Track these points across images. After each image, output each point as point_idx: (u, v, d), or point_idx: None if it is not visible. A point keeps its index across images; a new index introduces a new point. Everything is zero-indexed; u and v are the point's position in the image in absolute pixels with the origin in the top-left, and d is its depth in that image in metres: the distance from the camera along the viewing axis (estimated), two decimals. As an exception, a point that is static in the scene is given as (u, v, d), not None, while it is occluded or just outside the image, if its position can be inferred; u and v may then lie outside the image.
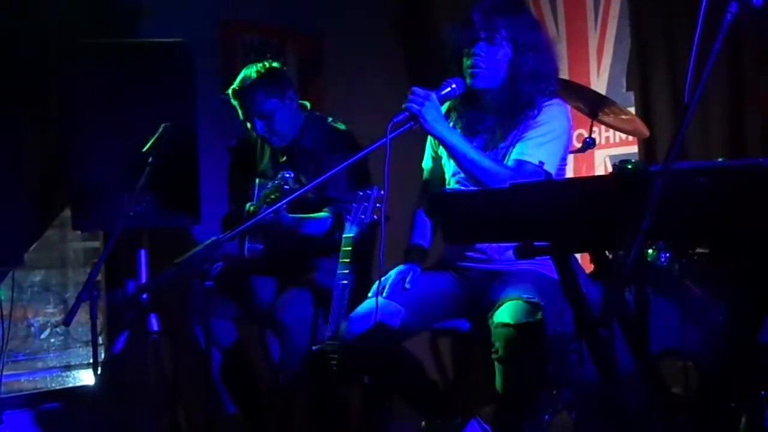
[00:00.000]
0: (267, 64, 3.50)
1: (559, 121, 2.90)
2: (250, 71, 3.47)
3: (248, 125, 3.52)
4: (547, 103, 2.91)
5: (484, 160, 2.78)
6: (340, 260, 3.05)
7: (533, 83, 2.87)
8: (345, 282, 3.02)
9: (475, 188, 2.82)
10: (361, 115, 4.03)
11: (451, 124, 2.93)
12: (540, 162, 2.80)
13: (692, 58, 1.96)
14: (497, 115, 2.96)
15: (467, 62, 2.87)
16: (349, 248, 3.03)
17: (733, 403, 2.30)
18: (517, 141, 2.89)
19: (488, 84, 2.89)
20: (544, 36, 3.00)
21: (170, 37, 3.45)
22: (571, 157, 3.90)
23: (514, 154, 2.86)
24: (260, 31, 4.58)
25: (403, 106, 2.72)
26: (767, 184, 1.79)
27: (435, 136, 2.81)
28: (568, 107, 3.01)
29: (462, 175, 2.94)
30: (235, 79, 3.51)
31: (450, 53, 2.93)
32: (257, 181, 3.52)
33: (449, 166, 3.03)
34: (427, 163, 3.17)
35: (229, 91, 3.50)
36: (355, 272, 3.08)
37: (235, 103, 3.50)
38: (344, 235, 3.05)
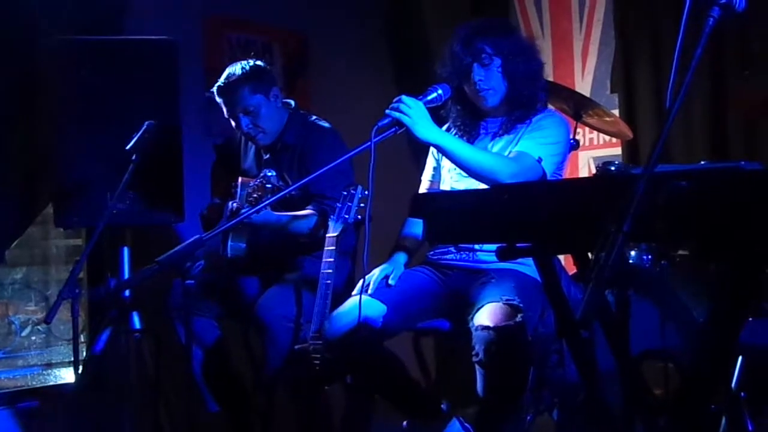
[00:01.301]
0: (251, 62, 3.51)
1: (560, 130, 3.00)
2: (235, 68, 3.49)
3: (233, 123, 3.52)
4: (547, 114, 3.04)
5: (483, 155, 2.84)
6: (323, 259, 3.05)
7: (529, 83, 2.98)
8: (328, 281, 3.02)
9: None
10: (347, 114, 4.03)
11: (453, 132, 2.98)
12: (539, 158, 2.85)
13: (675, 62, 1.97)
14: (495, 117, 3.05)
15: (470, 89, 2.99)
16: (333, 247, 3.03)
17: (713, 404, 2.32)
18: (519, 139, 2.97)
19: (497, 99, 3.01)
20: (522, 37, 3.15)
21: (156, 34, 3.43)
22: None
23: (517, 148, 2.93)
24: (246, 29, 4.58)
25: (387, 111, 2.73)
26: (748, 187, 1.80)
27: (431, 143, 2.81)
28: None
29: (461, 181, 2.96)
30: (219, 77, 3.51)
31: (452, 86, 2.96)
32: (240, 180, 3.52)
33: (448, 176, 3.05)
34: (427, 173, 3.19)
35: (214, 88, 3.50)
36: (338, 271, 3.08)
37: (219, 100, 3.50)
38: (328, 234, 3.05)
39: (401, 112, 2.71)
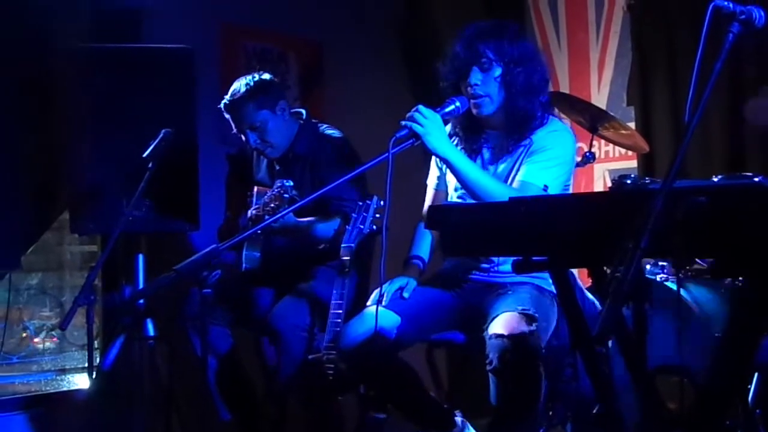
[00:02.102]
0: (256, 76, 3.51)
1: (566, 148, 2.93)
2: (240, 84, 3.49)
3: (242, 138, 3.53)
4: (551, 128, 2.93)
5: (487, 181, 2.79)
6: (338, 269, 3.05)
7: (526, 97, 2.89)
8: (342, 291, 3.02)
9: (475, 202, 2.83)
10: (362, 122, 4.03)
11: (454, 141, 2.96)
12: (545, 186, 2.80)
13: (694, 77, 1.97)
14: (497, 131, 2.98)
15: (466, 93, 2.90)
16: (348, 258, 3.03)
17: (728, 420, 2.31)
18: (521, 161, 2.90)
19: (492, 108, 2.92)
20: (528, 46, 3.02)
21: (172, 42, 3.45)
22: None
23: (520, 176, 2.87)
24: (262, 38, 4.59)
25: (403, 123, 2.72)
26: (766, 203, 1.80)
27: (439, 156, 2.81)
28: (570, 126, 3.04)
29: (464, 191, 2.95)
30: (228, 92, 3.53)
31: (446, 85, 2.94)
32: (255, 189, 3.52)
33: (452, 182, 3.03)
34: (431, 180, 3.18)
35: (221, 105, 3.51)
36: (353, 281, 3.08)
37: (227, 116, 3.51)
38: (343, 245, 3.05)
39: (415, 121, 2.71)
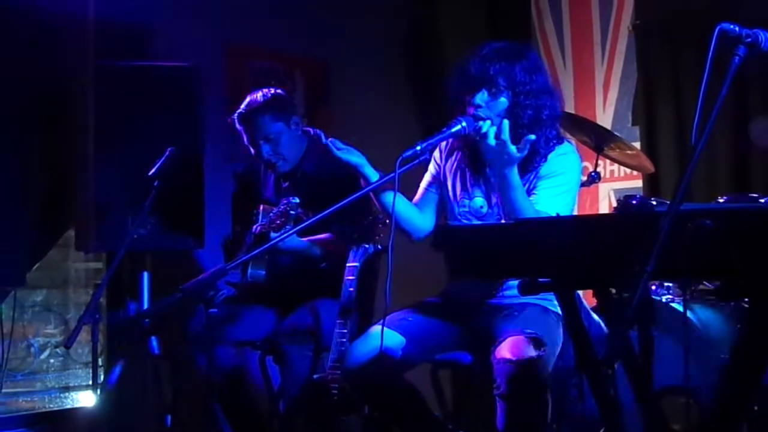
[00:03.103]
0: (273, 90, 3.55)
1: (573, 171, 2.89)
2: (257, 96, 3.51)
3: (252, 151, 3.54)
4: (560, 151, 2.88)
5: (527, 203, 2.76)
6: (344, 288, 3.05)
7: (532, 131, 2.80)
8: (347, 310, 3.01)
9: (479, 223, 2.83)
10: (368, 142, 4.02)
11: (456, 158, 2.95)
12: (557, 214, 2.78)
13: (700, 100, 1.97)
14: None
15: (470, 113, 2.82)
16: (352, 277, 3.03)
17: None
18: (532, 185, 2.87)
19: (493, 134, 2.81)
20: (542, 79, 2.90)
21: (179, 61, 3.46)
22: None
23: (533, 199, 2.83)
24: (268, 57, 4.61)
25: (463, 117, 2.74)
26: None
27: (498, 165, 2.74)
28: (575, 146, 3.01)
29: (466, 209, 2.95)
30: (241, 105, 3.54)
31: (452, 100, 2.90)
32: (261, 207, 3.53)
33: (455, 200, 3.02)
34: (425, 183, 3.13)
35: (235, 116, 3.52)
36: (357, 301, 3.08)
37: (240, 127, 3.52)
38: (348, 264, 3.05)
39: (483, 117, 2.72)
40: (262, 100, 3.49)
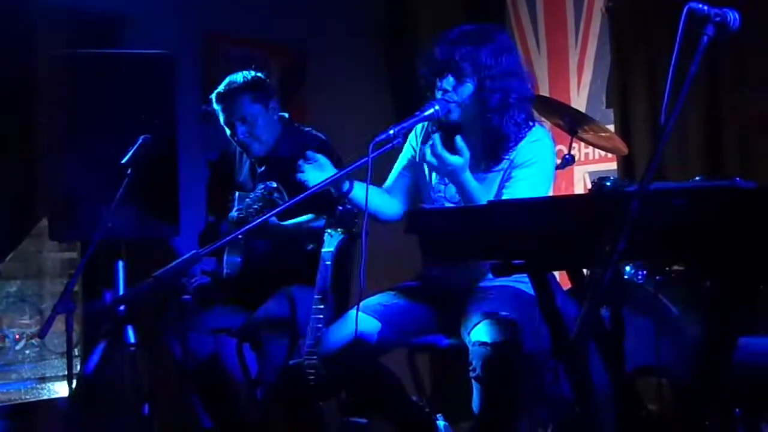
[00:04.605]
0: (253, 72, 3.55)
1: (548, 158, 2.88)
2: (237, 77, 3.52)
3: (228, 132, 3.53)
4: (532, 137, 2.86)
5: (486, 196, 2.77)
6: (318, 274, 3.04)
7: (499, 114, 2.82)
8: (322, 296, 3.01)
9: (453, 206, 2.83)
10: (343, 127, 4.03)
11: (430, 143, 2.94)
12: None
13: (669, 80, 1.98)
14: (475, 140, 2.90)
15: (439, 96, 2.84)
16: (329, 262, 3.02)
17: (707, 420, 2.31)
18: (508, 174, 2.85)
19: (461, 116, 2.86)
20: (510, 62, 2.87)
21: (153, 48, 3.44)
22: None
23: (510, 194, 2.83)
24: (243, 43, 4.58)
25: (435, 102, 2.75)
26: (744, 205, 1.81)
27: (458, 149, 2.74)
28: (549, 129, 3.00)
29: (441, 194, 2.95)
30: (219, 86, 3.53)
31: (424, 84, 2.90)
32: (237, 194, 3.52)
33: (430, 185, 3.02)
34: (398, 165, 3.14)
35: (213, 95, 3.52)
36: (333, 287, 3.08)
37: (217, 107, 3.52)
38: (323, 250, 3.05)
39: (448, 100, 2.73)
40: (242, 81, 3.50)
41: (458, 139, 2.72)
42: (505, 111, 2.83)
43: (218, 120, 3.57)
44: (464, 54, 2.81)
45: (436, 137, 2.73)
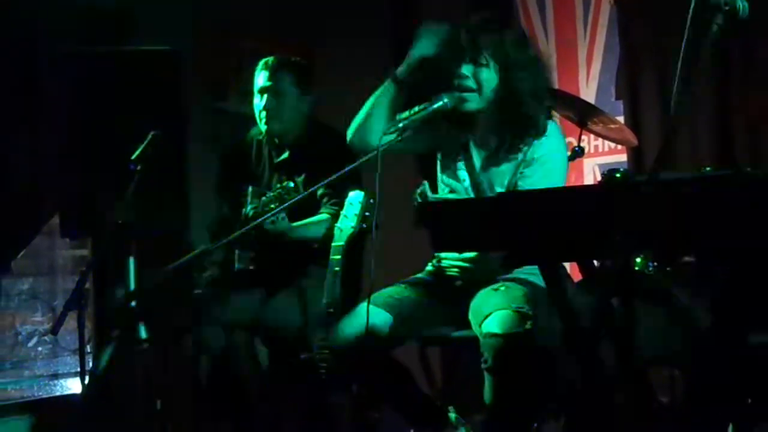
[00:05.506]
0: (305, 62, 3.65)
1: (561, 153, 2.87)
2: (290, 57, 3.61)
3: (256, 99, 3.54)
4: (549, 137, 2.84)
5: None
6: (329, 267, 3.04)
7: (534, 102, 2.81)
8: (334, 289, 3.01)
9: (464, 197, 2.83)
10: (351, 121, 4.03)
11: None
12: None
13: (679, 69, 1.97)
14: (491, 134, 2.90)
15: (455, 84, 2.83)
16: (338, 257, 3.02)
17: (719, 411, 2.31)
18: (521, 168, 2.83)
19: (479, 105, 2.85)
20: (533, 51, 2.91)
21: (161, 44, 3.45)
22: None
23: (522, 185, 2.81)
24: (251, 39, 4.58)
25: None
26: (754, 194, 1.80)
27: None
28: (558, 122, 3.00)
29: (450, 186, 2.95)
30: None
31: (437, 71, 2.89)
32: (250, 189, 3.51)
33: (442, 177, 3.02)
34: None
35: (262, 61, 3.56)
36: (344, 280, 3.08)
37: (259, 72, 3.55)
38: (333, 244, 3.05)
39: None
40: (293, 61, 3.58)
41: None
42: (536, 97, 2.83)
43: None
44: (488, 39, 2.80)
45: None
